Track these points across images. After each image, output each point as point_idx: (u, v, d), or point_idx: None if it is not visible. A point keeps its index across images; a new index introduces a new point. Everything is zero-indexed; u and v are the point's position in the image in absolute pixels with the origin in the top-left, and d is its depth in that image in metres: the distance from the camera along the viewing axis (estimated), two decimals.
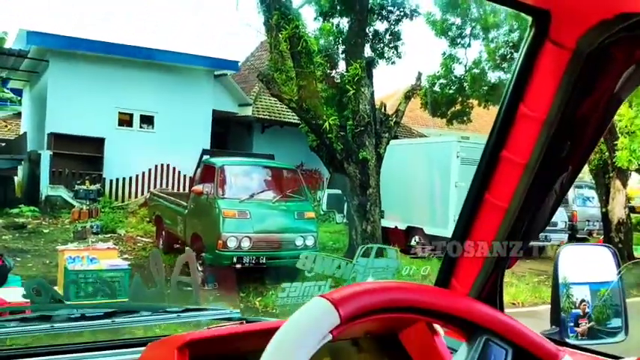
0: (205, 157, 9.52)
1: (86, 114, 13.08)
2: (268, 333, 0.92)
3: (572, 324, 1.54)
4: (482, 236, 1.16)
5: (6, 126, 19.26)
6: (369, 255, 7.68)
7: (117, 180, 13.92)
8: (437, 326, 1.11)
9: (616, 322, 1.60)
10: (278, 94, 8.89)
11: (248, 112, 16.24)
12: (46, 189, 12.79)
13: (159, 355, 1.00)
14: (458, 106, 16.47)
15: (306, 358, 0.59)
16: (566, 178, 1.11)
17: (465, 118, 16.84)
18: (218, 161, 8.75)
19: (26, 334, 1.45)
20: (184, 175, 14.01)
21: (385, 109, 9.78)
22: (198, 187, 8.40)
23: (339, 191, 11.36)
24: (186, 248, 6.89)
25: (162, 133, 14.38)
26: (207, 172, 8.65)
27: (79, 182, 12.72)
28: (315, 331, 0.62)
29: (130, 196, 14.08)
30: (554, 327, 1.47)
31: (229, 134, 17.60)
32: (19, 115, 19.25)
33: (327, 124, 8.58)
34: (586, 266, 1.59)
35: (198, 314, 1.66)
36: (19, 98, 19.92)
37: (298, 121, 10.38)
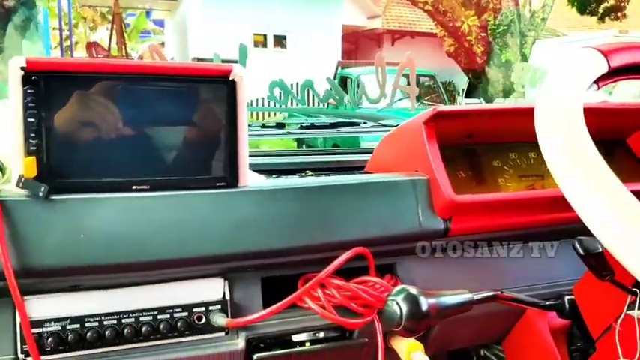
0: (340, 69, 9.59)
1: (223, 37, 13.60)
2: (522, 112, 0.90)
3: None
4: None
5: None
6: None
7: (256, 100, 14.54)
8: None
9: None
10: None
11: (377, 24, 15.84)
12: None
13: (405, 135, 0.95)
14: (610, 0, 14.65)
15: (579, 105, 0.55)
16: None
17: (619, 14, 14.94)
18: (354, 72, 8.78)
19: (266, 137, 1.81)
20: (319, 94, 14.21)
21: (530, 5, 9.03)
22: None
23: (478, 100, 10.88)
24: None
25: (294, 54, 14.58)
26: (344, 85, 8.73)
27: None
28: (582, 78, 0.58)
29: (269, 115, 14.65)
30: None
31: (358, 50, 17.40)
32: (162, 45, 20.64)
33: (465, 25, 8.16)
34: None
35: None
36: (161, 29, 21.30)
37: (431, 30, 9.97)
